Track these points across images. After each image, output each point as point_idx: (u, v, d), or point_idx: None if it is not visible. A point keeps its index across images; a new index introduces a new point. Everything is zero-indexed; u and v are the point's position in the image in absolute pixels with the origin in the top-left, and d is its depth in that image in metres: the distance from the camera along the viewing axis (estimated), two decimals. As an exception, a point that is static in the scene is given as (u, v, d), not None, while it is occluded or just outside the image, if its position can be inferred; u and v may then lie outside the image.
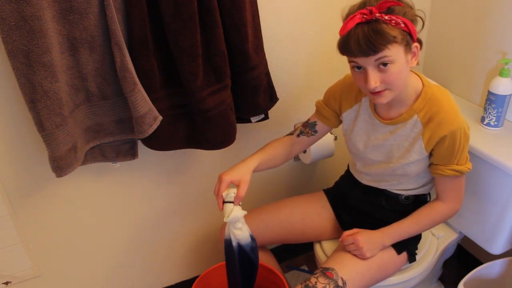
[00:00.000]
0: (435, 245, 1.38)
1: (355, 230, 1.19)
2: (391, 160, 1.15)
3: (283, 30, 1.38)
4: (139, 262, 1.59)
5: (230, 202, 1.09)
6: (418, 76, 1.10)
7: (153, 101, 1.15)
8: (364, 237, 1.16)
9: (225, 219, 1.09)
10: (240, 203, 1.11)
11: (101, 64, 1.08)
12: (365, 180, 1.26)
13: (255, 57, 1.24)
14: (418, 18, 0.99)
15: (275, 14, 1.34)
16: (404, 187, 1.20)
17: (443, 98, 1.06)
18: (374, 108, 1.15)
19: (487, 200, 1.30)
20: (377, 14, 0.91)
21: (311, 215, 1.35)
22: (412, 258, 1.26)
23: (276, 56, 1.40)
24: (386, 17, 0.91)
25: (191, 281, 1.61)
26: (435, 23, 1.56)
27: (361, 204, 1.29)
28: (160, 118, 1.18)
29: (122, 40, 1.04)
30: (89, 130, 1.17)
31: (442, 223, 1.48)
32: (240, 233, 1.11)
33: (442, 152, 1.07)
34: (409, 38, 0.96)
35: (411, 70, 1.07)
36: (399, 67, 0.96)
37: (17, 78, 0.99)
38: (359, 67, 0.98)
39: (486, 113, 1.34)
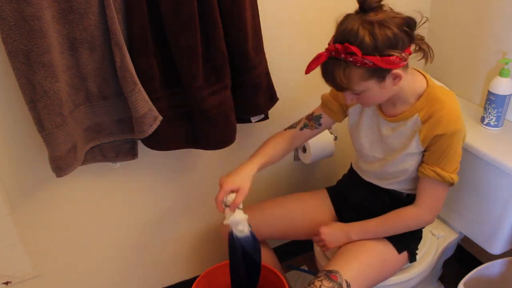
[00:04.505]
0: (435, 245, 1.38)
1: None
2: (389, 155, 1.15)
3: (283, 30, 1.38)
4: (139, 262, 1.58)
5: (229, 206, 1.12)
6: (424, 76, 1.10)
7: (153, 101, 1.15)
8: (328, 229, 1.23)
9: (224, 222, 1.12)
10: (241, 207, 1.12)
11: (101, 64, 1.08)
12: (366, 176, 1.27)
13: (255, 57, 1.24)
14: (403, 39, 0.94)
15: (275, 14, 1.34)
16: (404, 186, 1.20)
17: (446, 99, 1.06)
18: (379, 104, 1.15)
19: (487, 200, 1.30)
20: (342, 56, 0.93)
21: (312, 211, 1.35)
22: (412, 258, 1.27)
23: (276, 56, 1.40)
24: (351, 59, 0.92)
25: (191, 281, 1.61)
26: (435, 23, 1.56)
27: (362, 201, 1.29)
28: (160, 118, 1.18)
29: (122, 40, 1.04)
30: (89, 130, 1.17)
31: (442, 223, 1.49)
32: (242, 235, 1.14)
33: (432, 150, 1.08)
34: (381, 70, 0.95)
35: (417, 70, 1.10)
36: (373, 93, 1.01)
37: (17, 78, 0.99)
38: None
39: (486, 113, 1.34)
